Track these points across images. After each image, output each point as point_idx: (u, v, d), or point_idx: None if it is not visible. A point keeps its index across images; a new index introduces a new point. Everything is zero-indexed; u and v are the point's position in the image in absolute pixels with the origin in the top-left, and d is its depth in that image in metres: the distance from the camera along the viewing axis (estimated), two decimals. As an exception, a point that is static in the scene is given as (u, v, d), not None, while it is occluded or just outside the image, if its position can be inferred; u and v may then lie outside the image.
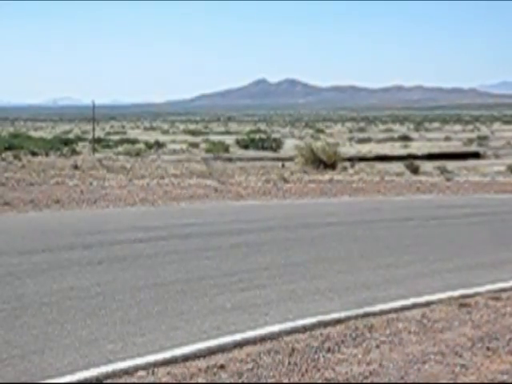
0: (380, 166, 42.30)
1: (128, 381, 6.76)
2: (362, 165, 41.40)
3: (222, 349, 7.59)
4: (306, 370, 7.05)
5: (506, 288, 10.63)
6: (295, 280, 10.91)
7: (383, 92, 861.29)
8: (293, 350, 7.65)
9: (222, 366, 7.10)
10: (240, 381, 6.80)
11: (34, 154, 50.41)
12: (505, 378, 6.94)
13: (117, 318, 8.65)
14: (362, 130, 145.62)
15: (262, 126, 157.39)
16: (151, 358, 7.19)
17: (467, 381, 6.89)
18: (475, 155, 68.02)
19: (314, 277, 11.16)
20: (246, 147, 77.28)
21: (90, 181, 25.82)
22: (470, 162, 55.05)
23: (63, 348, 7.48)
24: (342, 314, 8.96)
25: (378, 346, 7.84)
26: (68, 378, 6.66)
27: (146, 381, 6.78)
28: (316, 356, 7.47)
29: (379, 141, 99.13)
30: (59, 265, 11.48)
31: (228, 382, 6.79)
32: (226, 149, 70.60)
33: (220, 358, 7.34)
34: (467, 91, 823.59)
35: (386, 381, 6.85)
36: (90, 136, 73.46)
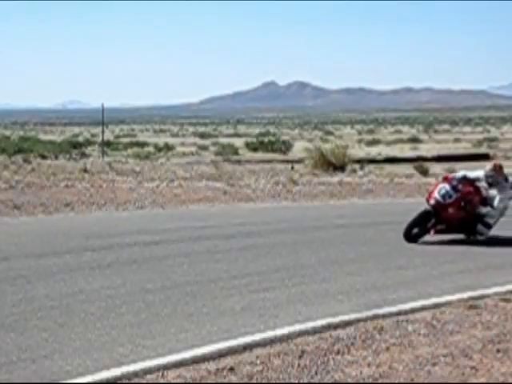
0: (389, 168, 42.26)
1: (138, 383, 6.77)
2: (372, 167, 41.33)
3: (231, 351, 7.59)
4: (316, 372, 7.05)
5: (517, 290, 10.61)
6: (305, 282, 10.91)
7: (392, 94, 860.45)
8: (302, 352, 7.66)
9: (231, 369, 7.11)
10: (250, 383, 6.81)
11: (43, 157, 50.41)
12: (515, 379, 6.93)
13: (126, 320, 8.66)
14: (371, 132, 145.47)
15: (272, 129, 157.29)
16: (161, 361, 7.20)
17: (477, 383, 6.88)
18: (485, 157, 67.85)
19: (324, 279, 11.16)
20: (255, 150, 77.25)
21: (99, 184, 25.84)
22: (480, 164, 54.95)
23: (73, 351, 7.50)
24: (352, 316, 8.96)
25: (387, 348, 7.84)
26: (78, 381, 6.68)
27: (156, 383, 6.79)
28: (326, 358, 7.47)
29: (388, 143, 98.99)
30: (69, 268, 11.50)
31: (238, 384, 6.80)
32: (236, 151, 70.63)
33: (230, 361, 7.35)
34: (476, 93, 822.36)
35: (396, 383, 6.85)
36: (99, 139, 73.56)
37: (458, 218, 14.68)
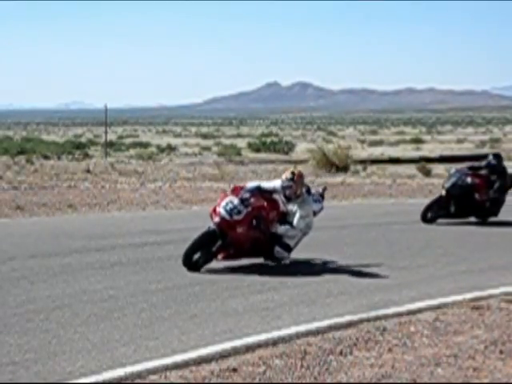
0: (392, 168, 42.14)
1: (141, 384, 6.77)
2: (374, 167, 41.24)
3: (234, 352, 7.59)
4: (319, 374, 7.05)
5: (519, 291, 10.61)
6: (307, 283, 10.91)
7: (395, 95, 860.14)
8: (305, 353, 7.65)
9: (234, 370, 7.11)
10: (252, 384, 6.81)
11: (46, 157, 50.44)
12: (518, 380, 6.92)
13: (129, 321, 8.66)
14: (374, 132, 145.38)
15: (274, 129, 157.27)
16: (164, 362, 7.20)
17: (480, 383, 6.88)
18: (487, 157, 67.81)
19: (326, 280, 11.16)
20: (257, 150, 77.17)
21: (102, 184, 25.88)
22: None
23: (76, 351, 7.50)
24: (355, 317, 8.96)
25: (390, 349, 7.83)
26: (81, 381, 6.68)
27: (159, 384, 6.79)
28: (328, 359, 7.47)
29: (391, 143, 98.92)
30: (72, 268, 11.51)
31: (240, 385, 6.79)
32: (238, 152, 70.59)
33: (232, 362, 7.35)
34: (479, 93, 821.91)
35: (399, 384, 6.84)
36: (102, 140, 73.51)
37: (250, 240, 11.90)
